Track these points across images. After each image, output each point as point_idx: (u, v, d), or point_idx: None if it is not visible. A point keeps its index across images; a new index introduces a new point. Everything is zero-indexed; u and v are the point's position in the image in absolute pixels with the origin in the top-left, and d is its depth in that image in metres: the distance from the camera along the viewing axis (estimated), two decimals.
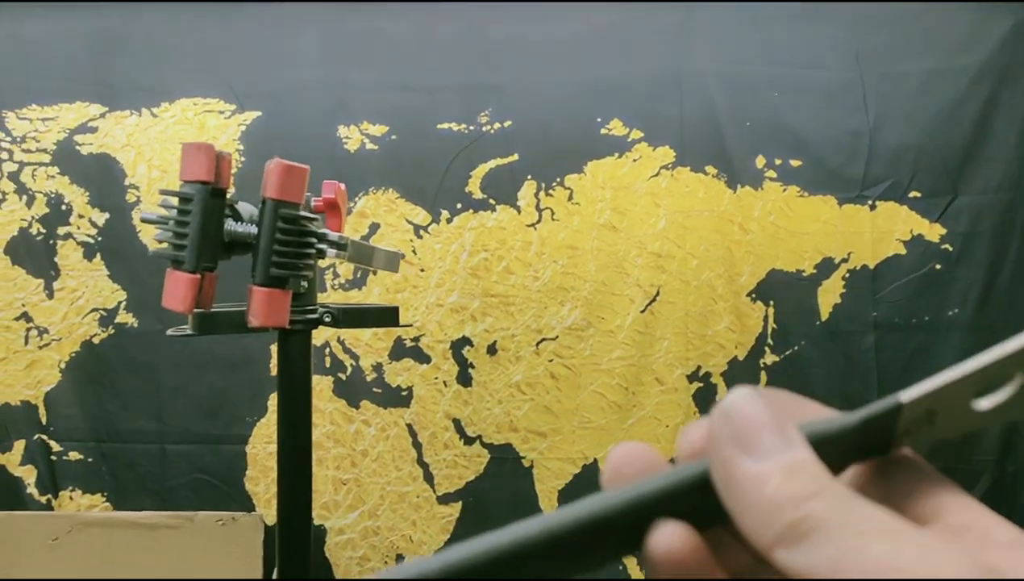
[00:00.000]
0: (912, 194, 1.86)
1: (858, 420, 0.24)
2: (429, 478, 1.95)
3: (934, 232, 1.87)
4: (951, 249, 1.86)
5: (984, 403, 0.22)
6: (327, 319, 1.22)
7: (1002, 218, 1.84)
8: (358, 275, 1.95)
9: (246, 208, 1.03)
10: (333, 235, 1.05)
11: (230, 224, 0.98)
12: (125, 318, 1.95)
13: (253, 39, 1.95)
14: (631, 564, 1.93)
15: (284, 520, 1.26)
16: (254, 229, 0.97)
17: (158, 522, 1.90)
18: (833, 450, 0.23)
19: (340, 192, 1.30)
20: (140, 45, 1.96)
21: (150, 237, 1.91)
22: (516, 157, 1.93)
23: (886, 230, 1.87)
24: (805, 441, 0.22)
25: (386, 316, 1.36)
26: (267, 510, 1.94)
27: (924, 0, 1.86)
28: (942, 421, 0.23)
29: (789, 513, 0.20)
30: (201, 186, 0.92)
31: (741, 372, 1.90)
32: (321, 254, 1.04)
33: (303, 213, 0.98)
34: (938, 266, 1.86)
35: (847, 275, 1.88)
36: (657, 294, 1.91)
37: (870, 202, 1.87)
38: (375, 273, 1.94)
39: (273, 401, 1.95)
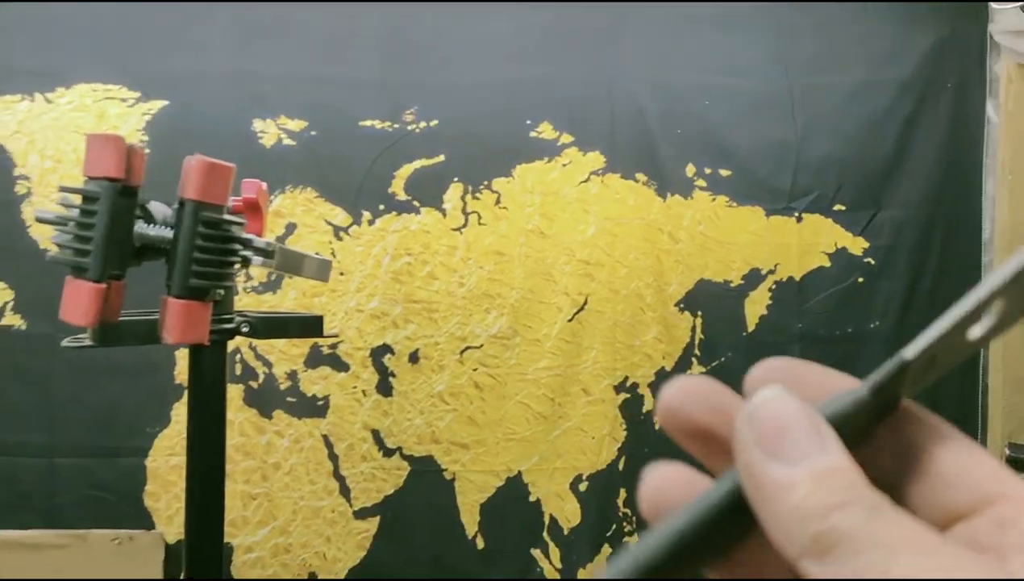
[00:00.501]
0: (837, 207, 1.87)
1: (870, 389, 0.23)
2: (345, 492, 1.86)
3: (857, 245, 1.88)
4: (873, 262, 1.88)
5: (975, 332, 0.23)
6: (244, 329, 1.12)
7: (922, 232, 1.87)
8: (272, 278, 1.84)
9: (159, 208, 0.92)
10: (259, 241, 0.94)
11: (141, 226, 0.87)
12: (12, 320, 1.78)
13: (160, 22, 1.82)
14: (548, 566, 1.87)
15: (193, 544, 1.15)
16: (169, 233, 0.86)
17: (44, 541, 1.74)
18: (853, 426, 0.23)
19: (261, 192, 1.20)
20: (33, 25, 1.80)
21: (43, 233, 1.75)
22: (442, 158, 1.86)
23: (812, 242, 1.87)
24: (839, 442, 0.21)
25: (309, 326, 1.27)
26: (168, 527, 1.81)
27: (851, 0, 1.87)
28: (941, 362, 0.23)
29: (816, 524, 0.20)
30: (109, 184, 0.81)
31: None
32: (246, 262, 0.94)
33: (227, 217, 0.88)
34: (861, 279, 1.88)
35: (774, 286, 1.88)
36: (585, 303, 1.87)
37: (797, 214, 1.87)
38: (291, 278, 1.83)
39: (177, 411, 1.82)
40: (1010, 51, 1.73)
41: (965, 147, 1.87)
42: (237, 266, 0.86)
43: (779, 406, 0.22)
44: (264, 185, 1.14)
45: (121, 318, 1.04)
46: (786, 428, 0.21)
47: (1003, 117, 1.78)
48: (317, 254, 1.14)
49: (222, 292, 1.10)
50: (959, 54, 1.86)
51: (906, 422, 0.24)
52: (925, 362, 0.23)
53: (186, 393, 1.77)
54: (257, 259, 0.87)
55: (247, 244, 0.86)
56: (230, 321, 1.12)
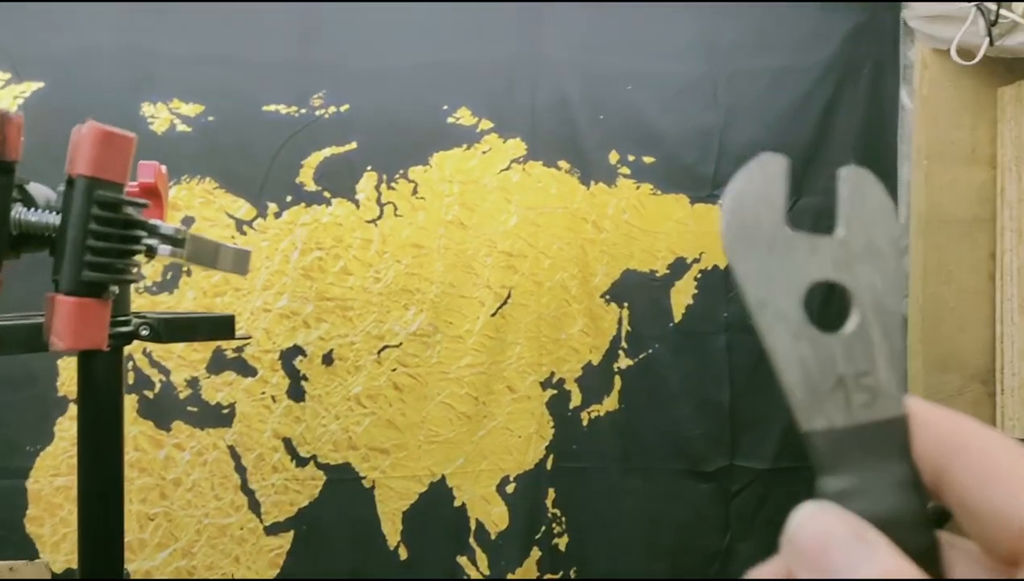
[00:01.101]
0: None
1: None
2: (255, 506, 1.72)
3: None
4: None
5: None
6: (144, 332, 0.98)
7: None
8: (168, 277, 1.69)
9: (40, 190, 0.77)
10: (167, 227, 0.80)
11: (20, 211, 0.72)
12: None
13: None
14: (475, 573, 1.79)
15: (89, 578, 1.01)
16: (55, 218, 0.72)
17: None
18: (910, 515, 0.22)
19: (160, 175, 1.06)
20: None
21: None
22: (354, 145, 1.74)
23: None
24: (889, 546, 0.20)
25: (219, 326, 1.13)
26: (55, 556, 1.63)
27: None
28: None
29: None
30: None
31: (595, 377, 1.82)
32: (151, 252, 0.79)
33: (127, 197, 0.74)
34: None
35: (699, 275, 1.84)
36: (508, 296, 1.79)
37: (720, 201, 1.84)
38: (188, 273, 1.68)
39: (61, 427, 1.64)
40: (925, 36, 1.74)
41: (880, 133, 1.88)
42: (140, 257, 0.73)
43: (817, 524, 0.21)
44: (163, 168, 1.01)
45: (4, 322, 0.89)
46: (828, 545, 0.21)
47: (918, 102, 1.79)
48: (235, 243, 1.02)
49: (116, 289, 0.97)
50: (875, 39, 1.87)
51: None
52: None
53: (72, 407, 1.60)
54: (164, 248, 0.74)
55: (153, 230, 0.73)
56: (127, 323, 0.98)
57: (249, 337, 1.68)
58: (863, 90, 1.87)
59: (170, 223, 0.75)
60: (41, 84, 1.63)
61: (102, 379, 0.94)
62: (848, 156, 1.87)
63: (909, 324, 1.84)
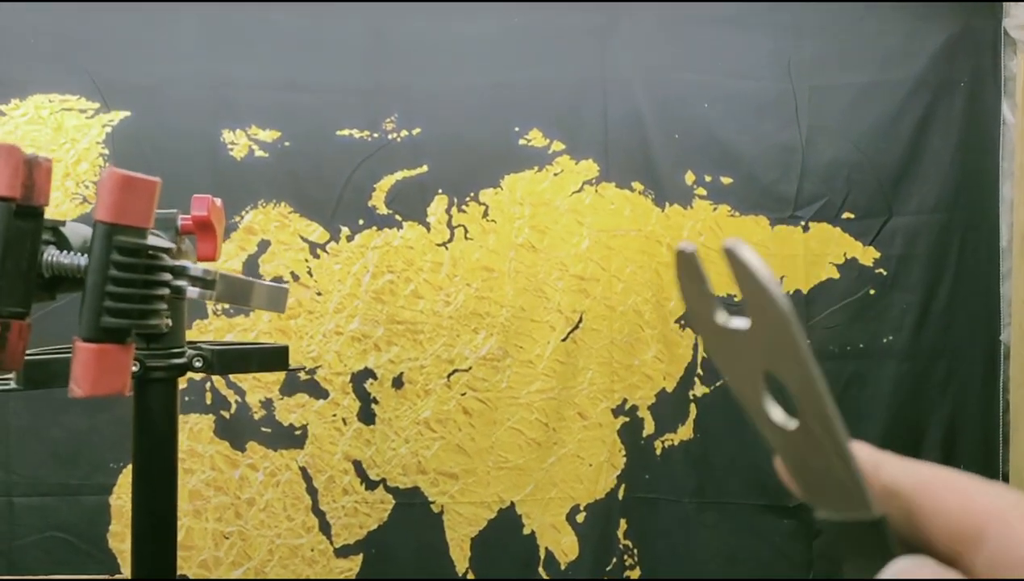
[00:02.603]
0: (845, 215, 1.76)
1: None
2: (326, 528, 1.73)
3: (868, 255, 1.77)
4: (885, 273, 1.76)
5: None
6: (197, 364, 1.00)
7: (937, 240, 1.75)
8: None
9: (77, 231, 0.78)
10: (195, 269, 0.80)
11: (52, 254, 0.73)
12: None
13: (121, 26, 1.70)
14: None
15: None
16: (85, 260, 0.73)
17: None
18: None
19: (215, 208, 1.07)
20: None
21: None
22: (425, 168, 1.74)
23: (819, 253, 1.76)
24: None
25: (272, 359, 1.14)
26: None
27: (858, 0, 1.76)
28: None
29: None
30: (1, 204, 0.67)
31: (669, 405, 1.76)
32: (179, 293, 0.80)
33: (151, 242, 0.74)
34: (872, 291, 1.76)
35: None
36: (580, 321, 1.75)
37: (803, 223, 1.76)
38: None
39: None
40: None
41: (980, 149, 1.77)
42: (164, 301, 0.73)
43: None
44: (218, 201, 1.02)
45: (52, 356, 0.92)
46: None
47: (1020, 116, 1.68)
48: (272, 281, 1.02)
49: (169, 322, 0.98)
50: (971, 51, 1.76)
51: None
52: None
53: None
54: (193, 290, 0.74)
55: (180, 272, 0.73)
56: (181, 355, 0.99)
57: (303, 367, 1.69)
58: (960, 105, 1.76)
59: (204, 264, 0.75)
60: (128, 113, 1.69)
61: (157, 411, 0.95)
62: (945, 174, 1.76)
63: (1012, 355, 1.72)
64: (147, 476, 1.01)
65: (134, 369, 0.97)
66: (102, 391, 0.65)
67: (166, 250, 0.70)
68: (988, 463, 1.75)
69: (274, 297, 0.89)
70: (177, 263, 0.73)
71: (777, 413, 0.24)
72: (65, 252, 0.70)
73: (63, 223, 0.73)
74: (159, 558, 1.04)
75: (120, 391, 0.67)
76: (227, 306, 1.71)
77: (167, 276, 0.71)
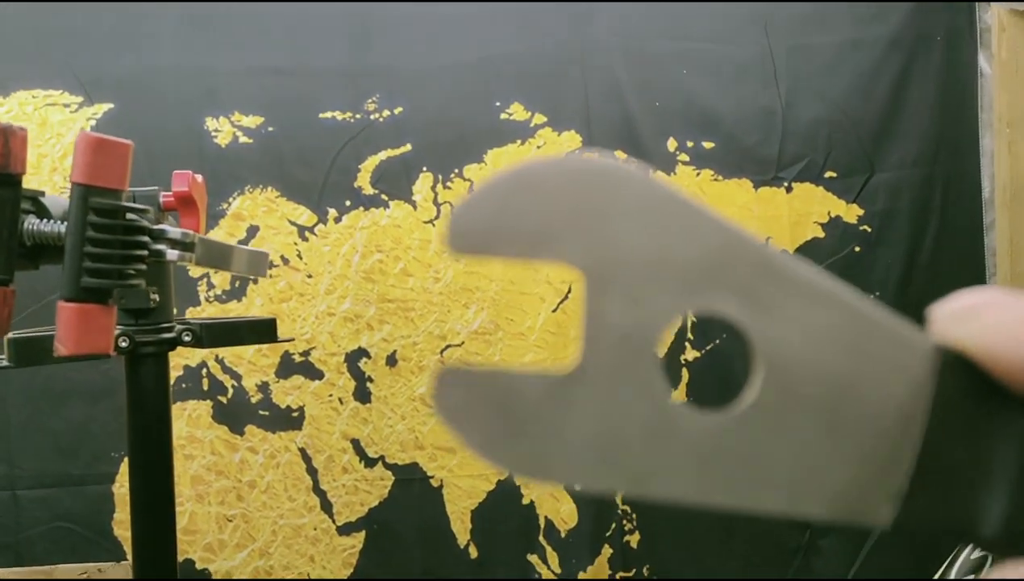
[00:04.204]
0: (828, 174, 1.78)
1: None
2: (327, 507, 1.75)
3: (851, 213, 1.78)
4: (869, 230, 1.78)
5: None
6: (187, 338, 1.01)
7: (920, 194, 1.77)
8: (236, 285, 1.74)
9: (56, 202, 0.81)
10: (174, 231, 0.82)
11: (32, 222, 0.76)
12: None
13: (101, 19, 1.71)
14: (546, 572, 1.77)
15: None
16: (64, 227, 0.75)
17: (9, 578, 1.63)
18: None
19: (196, 184, 1.08)
20: None
21: None
22: (409, 147, 1.75)
23: (803, 213, 1.78)
24: None
25: (261, 330, 1.15)
26: None
27: None
28: None
29: None
30: None
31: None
32: (158, 256, 0.82)
33: (127, 204, 0.76)
34: (857, 248, 1.78)
35: None
36: (569, 291, 1.77)
37: (786, 184, 1.77)
38: (255, 281, 1.73)
39: None
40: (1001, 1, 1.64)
41: (959, 102, 1.78)
42: (144, 262, 0.75)
43: None
44: (199, 178, 1.03)
45: (43, 333, 0.93)
46: None
47: (997, 68, 1.69)
48: (256, 248, 1.04)
49: (156, 297, 1.00)
50: (946, 5, 1.76)
51: None
52: None
53: None
54: (172, 253, 0.76)
55: (158, 235, 0.75)
56: (170, 330, 1.01)
57: (293, 339, 1.71)
58: (937, 59, 1.77)
59: (177, 228, 0.77)
60: (111, 105, 1.71)
61: (149, 384, 0.97)
62: (925, 129, 1.77)
63: None
64: (143, 451, 1.03)
65: (124, 345, 0.99)
66: (85, 349, 0.67)
67: (143, 211, 0.72)
68: None
69: (255, 262, 0.91)
70: (156, 226, 0.74)
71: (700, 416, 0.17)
72: (45, 220, 0.72)
73: (43, 193, 0.75)
74: (159, 534, 1.06)
75: (104, 350, 0.69)
76: (219, 292, 1.73)
77: (145, 238, 0.73)
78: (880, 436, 0.17)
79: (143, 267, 0.74)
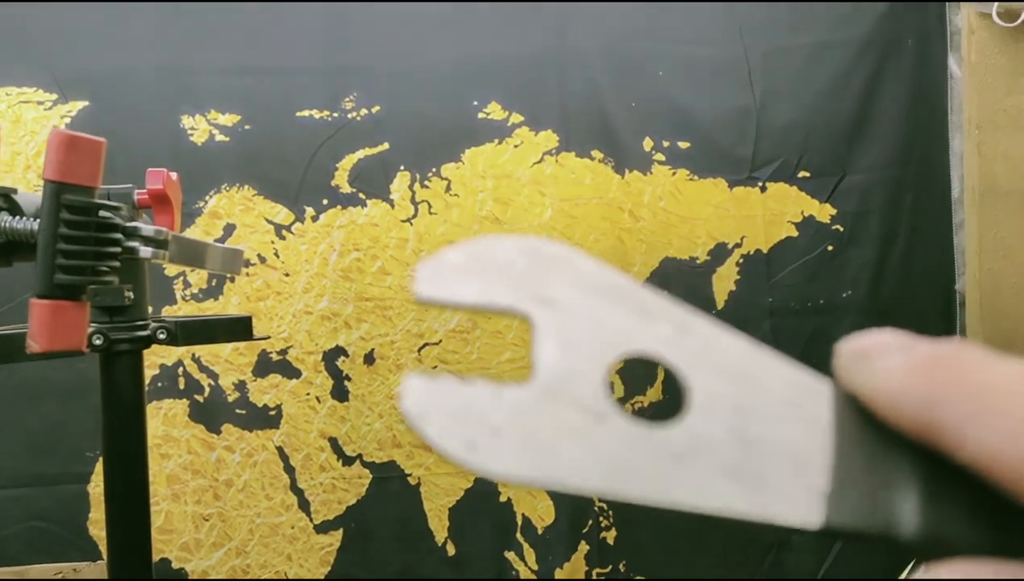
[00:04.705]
0: (801, 174, 1.80)
1: None
2: (305, 505, 1.75)
3: (824, 213, 1.81)
4: (842, 229, 1.80)
5: None
6: (161, 336, 1.02)
7: (891, 195, 1.80)
8: (213, 283, 1.73)
9: (30, 199, 0.81)
10: (147, 229, 0.83)
11: (5, 219, 0.76)
12: None
13: (75, 17, 1.70)
14: (523, 569, 1.78)
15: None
16: (37, 224, 0.75)
17: None
18: None
19: (170, 182, 1.08)
20: None
21: None
22: (387, 146, 1.76)
23: (778, 212, 1.80)
24: None
25: (236, 328, 1.16)
26: None
27: None
28: None
29: None
30: None
31: (638, 368, 1.79)
32: (132, 254, 0.83)
33: (101, 200, 0.76)
34: (830, 247, 1.80)
35: (741, 260, 1.80)
36: None
37: (760, 184, 1.79)
38: (232, 278, 1.72)
39: None
40: (971, 1, 1.66)
41: (929, 105, 1.81)
42: (117, 259, 0.75)
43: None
44: (173, 175, 1.03)
45: (16, 330, 0.93)
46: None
47: (967, 70, 1.72)
48: (232, 245, 1.04)
49: (130, 295, 1.00)
50: (917, 8, 1.79)
51: None
52: None
53: None
54: (146, 250, 0.76)
55: (132, 233, 0.75)
56: (145, 327, 1.01)
57: (268, 336, 1.71)
58: (908, 62, 1.80)
59: (151, 225, 0.77)
60: (86, 103, 1.70)
61: (123, 382, 0.97)
62: (897, 130, 1.80)
63: (967, 302, 1.76)
64: (117, 450, 1.03)
65: (98, 342, 0.99)
66: (58, 346, 0.67)
67: (115, 209, 0.72)
68: None
69: (229, 259, 0.91)
70: (129, 224, 0.75)
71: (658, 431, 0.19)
72: (18, 218, 0.72)
73: (15, 191, 0.75)
74: (134, 534, 1.06)
75: (77, 347, 0.70)
76: (196, 291, 1.73)
77: (118, 235, 0.73)
78: (791, 455, 0.18)
79: (116, 264, 0.74)
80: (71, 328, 0.68)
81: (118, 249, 0.73)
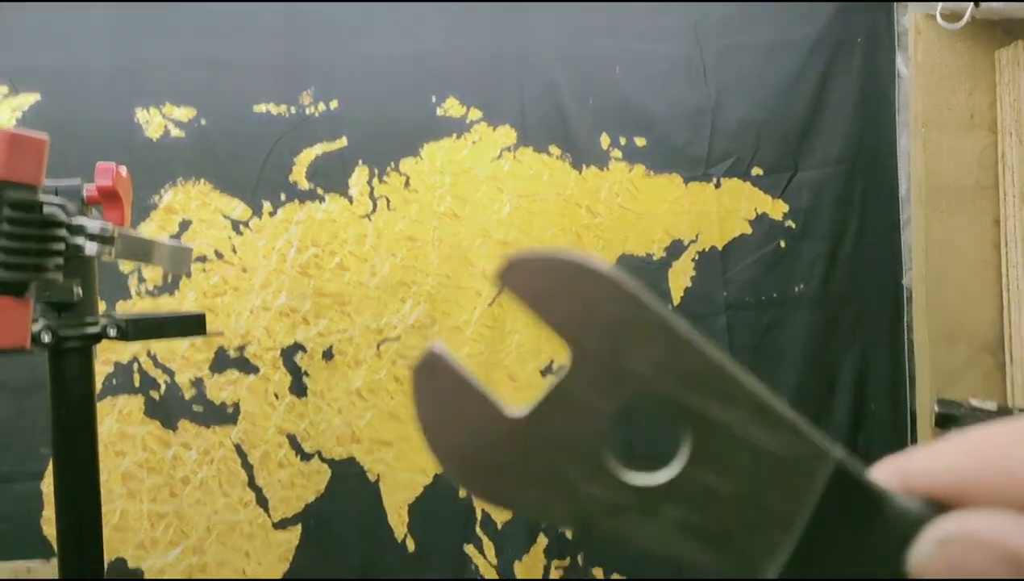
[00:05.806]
0: (755, 171, 1.83)
1: None
2: (263, 502, 1.74)
3: (777, 209, 1.84)
4: (794, 226, 1.84)
5: None
6: (112, 333, 1.01)
7: (841, 191, 1.84)
8: (168, 279, 1.72)
9: None
10: (93, 225, 0.83)
11: None
12: None
13: (27, 9, 1.67)
14: (483, 563, 1.79)
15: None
16: None
17: None
18: None
19: (120, 178, 1.07)
20: None
21: None
22: (345, 141, 1.76)
23: (731, 209, 1.83)
24: None
25: (189, 324, 1.15)
26: None
27: None
28: None
29: None
30: None
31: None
32: (77, 250, 0.82)
33: (44, 198, 0.76)
34: (783, 243, 1.84)
35: (696, 257, 1.82)
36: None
37: (715, 180, 1.82)
38: (187, 276, 1.71)
39: None
40: (917, 1, 1.70)
41: (878, 103, 1.85)
42: (62, 256, 0.75)
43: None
44: (123, 170, 1.02)
45: None
46: None
47: (913, 69, 1.76)
48: (176, 242, 1.04)
49: (79, 291, 0.99)
50: (867, 9, 1.83)
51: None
52: None
53: None
54: (91, 246, 0.76)
55: (77, 230, 0.75)
56: (95, 324, 1.01)
57: (221, 333, 1.70)
58: (858, 61, 1.84)
59: (98, 221, 0.77)
60: (37, 96, 1.67)
61: (73, 379, 0.96)
62: (846, 128, 1.84)
63: (914, 296, 1.81)
64: (67, 447, 1.02)
65: (46, 339, 0.98)
66: (3, 343, 0.67)
67: (60, 206, 0.72)
68: (896, 401, 1.84)
69: (177, 257, 0.91)
70: (75, 220, 0.74)
71: (639, 477, 0.20)
72: None
73: None
74: (85, 532, 1.05)
75: (20, 344, 0.69)
76: (151, 287, 1.71)
77: (63, 232, 0.72)
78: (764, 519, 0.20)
79: (61, 261, 0.74)
80: (14, 325, 0.68)
81: (62, 246, 0.73)
